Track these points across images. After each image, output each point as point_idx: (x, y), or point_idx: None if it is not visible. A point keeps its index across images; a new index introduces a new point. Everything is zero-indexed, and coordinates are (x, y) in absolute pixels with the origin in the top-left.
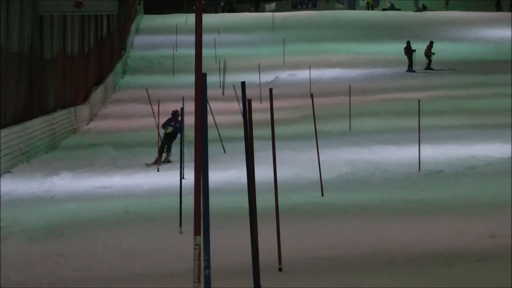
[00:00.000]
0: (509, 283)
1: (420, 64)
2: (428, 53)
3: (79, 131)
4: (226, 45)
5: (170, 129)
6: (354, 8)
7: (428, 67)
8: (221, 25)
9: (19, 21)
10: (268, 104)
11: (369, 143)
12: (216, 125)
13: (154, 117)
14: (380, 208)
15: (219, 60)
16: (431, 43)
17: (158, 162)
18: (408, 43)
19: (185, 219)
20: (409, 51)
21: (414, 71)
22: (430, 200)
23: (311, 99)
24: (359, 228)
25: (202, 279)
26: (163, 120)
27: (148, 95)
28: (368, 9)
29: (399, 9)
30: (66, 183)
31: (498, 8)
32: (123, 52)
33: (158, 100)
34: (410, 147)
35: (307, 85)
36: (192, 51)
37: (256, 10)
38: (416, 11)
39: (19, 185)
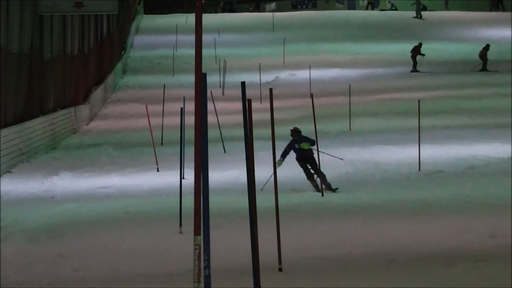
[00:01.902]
0: (509, 283)
1: (423, 65)
2: (484, 54)
3: (79, 131)
4: (226, 45)
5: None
6: (354, 8)
7: (484, 68)
8: (221, 25)
9: (19, 21)
10: (268, 104)
11: (369, 143)
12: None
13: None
14: (380, 208)
15: (219, 60)
16: (488, 46)
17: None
18: (420, 45)
19: (185, 219)
20: (415, 51)
21: (417, 71)
22: (430, 200)
23: (311, 99)
24: (359, 228)
25: (202, 279)
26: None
27: (147, 110)
28: (368, 9)
29: (396, 9)
30: (66, 183)
31: (492, 8)
32: (123, 52)
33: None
34: (410, 147)
35: (307, 85)
36: (192, 51)
37: (256, 10)
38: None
39: (19, 185)
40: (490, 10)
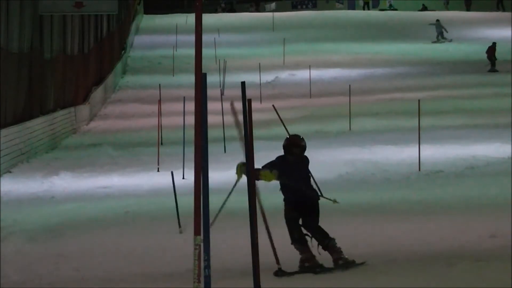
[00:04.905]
0: (509, 283)
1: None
2: (492, 54)
3: (79, 131)
4: (226, 45)
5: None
6: (354, 8)
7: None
8: (221, 25)
9: (19, 21)
10: (268, 104)
11: (369, 143)
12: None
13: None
14: (380, 208)
15: (219, 60)
16: (494, 44)
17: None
18: (494, 44)
19: (186, 219)
20: (491, 51)
21: (496, 71)
22: (430, 200)
23: (311, 99)
24: (358, 228)
25: (202, 279)
26: (166, 120)
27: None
28: (364, 9)
29: (396, 9)
30: (66, 183)
31: (468, 7)
32: (123, 52)
33: (159, 100)
34: (410, 147)
35: (307, 85)
36: (192, 51)
37: (257, 10)
38: None
39: (19, 185)
40: (468, 10)
